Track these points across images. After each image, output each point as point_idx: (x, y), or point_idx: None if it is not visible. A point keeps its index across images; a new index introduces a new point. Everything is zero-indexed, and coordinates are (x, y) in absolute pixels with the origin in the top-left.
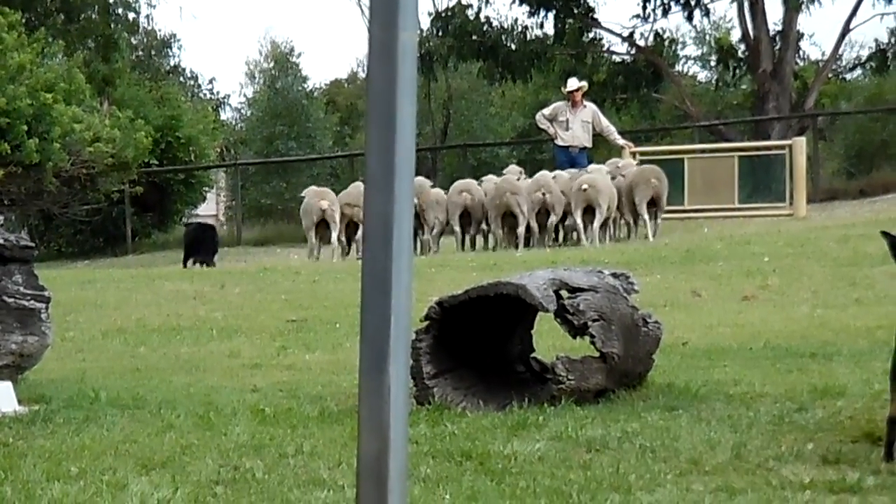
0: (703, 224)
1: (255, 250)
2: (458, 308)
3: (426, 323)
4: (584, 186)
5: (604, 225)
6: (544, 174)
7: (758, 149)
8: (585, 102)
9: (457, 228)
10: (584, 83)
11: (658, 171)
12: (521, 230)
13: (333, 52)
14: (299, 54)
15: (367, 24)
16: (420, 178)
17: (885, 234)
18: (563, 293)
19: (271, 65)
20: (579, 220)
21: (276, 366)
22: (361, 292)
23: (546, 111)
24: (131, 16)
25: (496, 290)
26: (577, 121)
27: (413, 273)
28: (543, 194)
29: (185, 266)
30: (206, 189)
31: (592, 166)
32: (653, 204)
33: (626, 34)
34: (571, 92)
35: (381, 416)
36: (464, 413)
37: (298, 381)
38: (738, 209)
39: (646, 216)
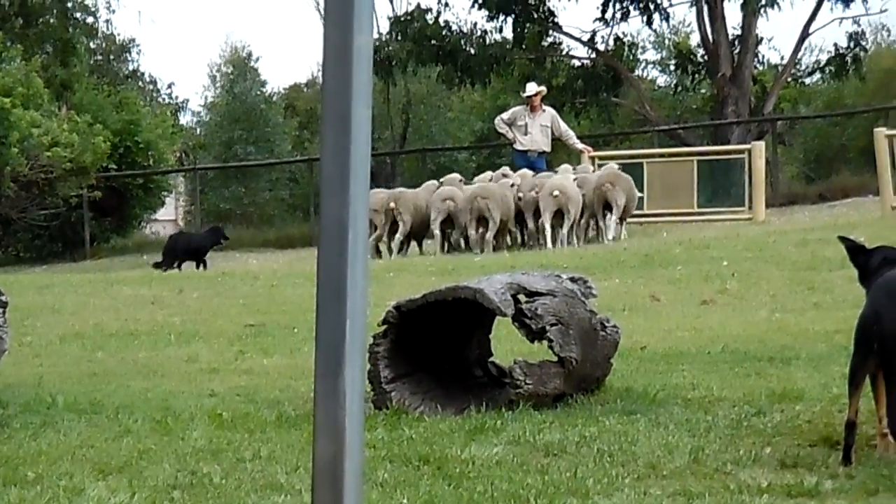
0: (662, 228)
1: (214, 255)
2: (416, 312)
3: (384, 327)
4: (556, 192)
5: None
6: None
7: (717, 153)
8: (544, 107)
9: (437, 232)
10: (543, 88)
11: (615, 175)
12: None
13: (292, 56)
14: (258, 59)
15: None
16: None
17: (842, 238)
18: (521, 297)
19: (230, 69)
20: (548, 225)
21: (234, 370)
22: (317, 297)
23: (505, 116)
24: (90, 20)
25: (454, 295)
26: (535, 125)
27: (369, 277)
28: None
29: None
30: (165, 193)
31: (562, 167)
32: (608, 207)
33: (585, 38)
34: (530, 96)
35: (336, 419)
36: (421, 417)
37: (256, 386)
38: (698, 213)
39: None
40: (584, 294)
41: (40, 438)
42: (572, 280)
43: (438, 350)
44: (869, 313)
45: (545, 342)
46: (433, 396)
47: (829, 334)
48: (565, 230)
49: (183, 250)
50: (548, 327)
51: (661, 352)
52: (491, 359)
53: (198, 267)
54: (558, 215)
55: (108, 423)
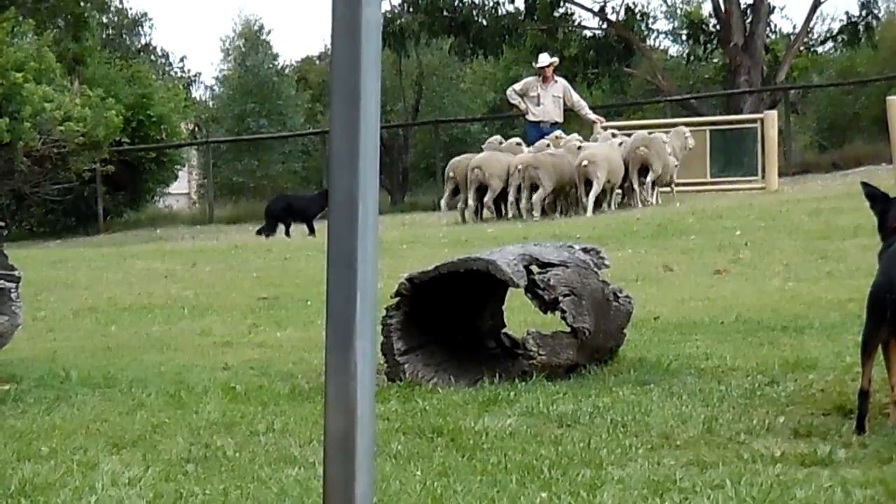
0: (675, 198)
1: (227, 228)
2: (428, 284)
3: (397, 299)
4: (584, 162)
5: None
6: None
7: (729, 122)
8: (556, 78)
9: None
10: (556, 59)
11: (647, 139)
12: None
13: (304, 28)
14: (270, 31)
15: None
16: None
17: (864, 184)
18: (534, 269)
19: (242, 42)
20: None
21: (248, 344)
22: (327, 269)
23: (517, 87)
24: None
25: (466, 266)
26: (548, 96)
27: (379, 250)
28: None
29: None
30: (178, 167)
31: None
32: (644, 172)
33: (597, 9)
34: (542, 67)
35: (347, 392)
36: (435, 389)
37: (269, 359)
38: (711, 183)
39: (635, 185)
40: (597, 265)
41: (54, 413)
42: (585, 251)
43: (451, 322)
44: (882, 281)
45: (558, 313)
46: (446, 368)
47: (842, 303)
48: (592, 197)
49: (283, 211)
50: (560, 298)
51: (675, 322)
52: (504, 330)
53: (311, 232)
54: (589, 183)
55: (122, 397)
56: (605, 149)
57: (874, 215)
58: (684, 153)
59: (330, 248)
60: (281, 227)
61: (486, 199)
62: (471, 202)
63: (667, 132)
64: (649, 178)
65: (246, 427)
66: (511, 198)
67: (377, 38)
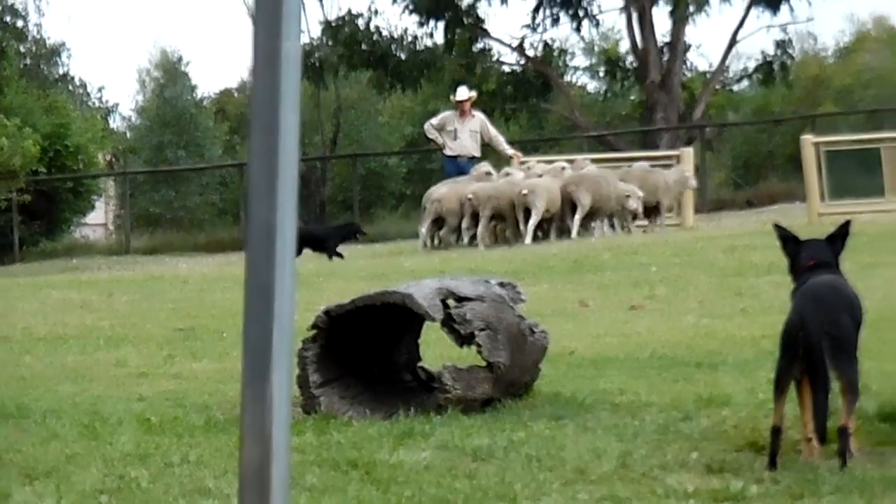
0: (593, 233)
1: (144, 259)
2: (345, 317)
3: (313, 332)
4: (524, 191)
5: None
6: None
7: (646, 159)
8: (474, 112)
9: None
10: (474, 93)
11: (578, 176)
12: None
13: (223, 60)
14: (188, 63)
15: None
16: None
17: (776, 226)
18: (450, 302)
19: (160, 74)
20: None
21: (163, 375)
22: (244, 301)
23: (434, 121)
24: (20, 23)
25: (383, 300)
26: (465, 130)
27: (296, 281)
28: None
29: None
30: (95, 197)
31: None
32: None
33: (515, 44)
34: (461, 101)
35: (263, 425)
36: (350, 422)
37: (185, 390)
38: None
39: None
40: (513, 299)
41: None
42: (501, 285)
43: (368, 355)
44: (794, 319)
45: (474, 347)
46: (362, 401)
47: (755, 340)
48: (531, 225)
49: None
50: (476, 332)
51: (590, 357)
52: (420, 363)
53: (330, 258)
54: (528, 212)
55: (36, 427)
56: (546, 179)
57: (786, 257)
58: (681, 192)
59: (247, 280)
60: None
61: (479, 227)
62: (465, 229)
63: (667, 167)
64: (577, 215)
65: (160, 458)
66: (464, 225)
67: (297, 70)
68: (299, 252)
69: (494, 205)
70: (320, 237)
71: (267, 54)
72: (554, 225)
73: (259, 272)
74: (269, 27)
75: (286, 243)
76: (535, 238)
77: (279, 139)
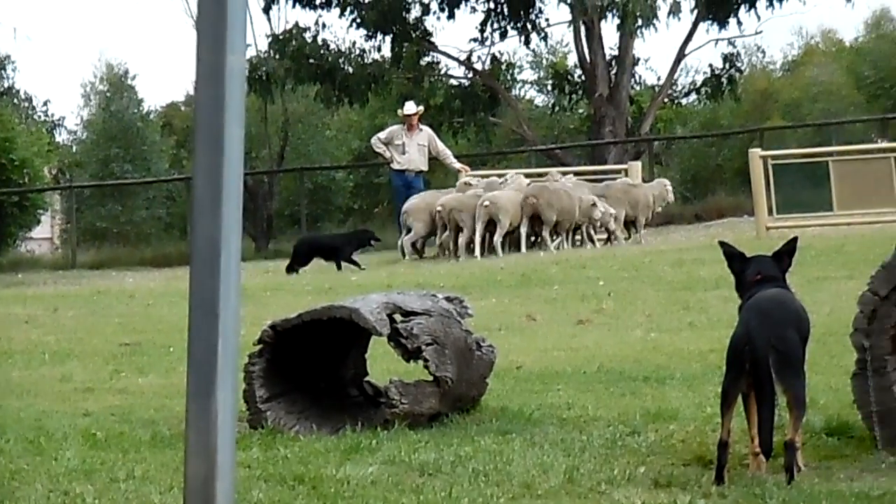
0: (538, 247)
1: (90, 273)
2: (291, 332)
3: (260, 346)
4: (486, 203)
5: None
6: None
7: (594, 173)
8: (421, 126)
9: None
10: (421, 107)
11: (539, 188)
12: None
13: (169, 74)
14: (134, 76)
15: None
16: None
17: (721, 243)
18: (397, 317)
19: (106, 87)
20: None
21: (109, 390)
22: (189, 317)
23: (382, 135)
24: None
25: (330, 314)
26: (413, 144)
27: (241, 297)
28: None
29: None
30: (41, 212)
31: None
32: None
33: (463, 58)
34: (408, 115)
35: (208, 440)
36: (297, 437)
37: (131, 406)
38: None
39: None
40: (460, 313)
41: None
42: (448, 299)
43: (314, 369)
44: (741, 333)
45: (421, 362)
46: (309, 416)
47: (703, 354)
48: (497, 239)
49: (306, 252)
50: (423, 347)
51: (537, 371)
52: (367, 378)
53: (339, 267)
54: (491, 224)
55: None
56: (509, 191)
57: (732, 274)
58: (661, 206)
59: (192, 295)
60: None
61: (496, 235)
62: (478, 237)
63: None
64: (545, 231)
65: (106, 474)
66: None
67: (241, 84)
68: (308, 261)
69: (458, 216)
70: (333, 246)
71: (211, 68)
72: (516, 237)
73: (204, 287)
74: (213, 41)
75: (231, 258)
76: (503, 250)
77: (224, 154)
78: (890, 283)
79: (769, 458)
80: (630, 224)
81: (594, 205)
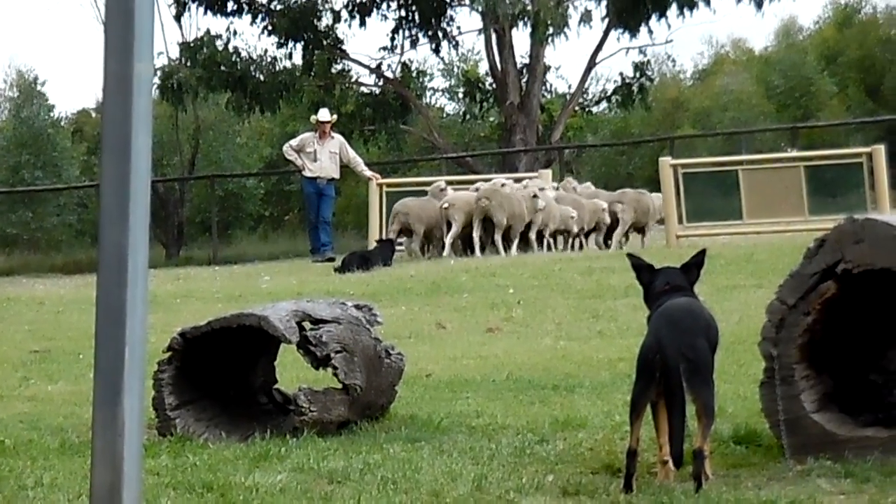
0: (450, 256)
1: (0, 280)
2: (201, 339)
3: (169, 354)
4: (446, 205)
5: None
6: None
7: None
8: (333, 134)
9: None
10: (335, 116)
11: (490, 191)
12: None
13: (80, 80)
14: (44, 82)
15: None
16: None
17: (630, 255)
18: (306, 325)
19: (16, 94)
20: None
21: (18, 397)
22: (96, 324)
23: (294, 142)
24: None
25: (239, 322)
26: (324, 152)
27: (148, 304)
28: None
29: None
30: None
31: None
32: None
33: (374, 66)
34: (323, 122)
35: (114, 448)
36: (206, 444)
37: (40, 413)
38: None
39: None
40: (369, 321)
41: None
42: (357, 307)
43: (224, 377)
44: (650, 342)
45: (330, 369)
46: (218, 423)
47: (612, 362)
48: (449, 239)
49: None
50: (332, 354)
51: (446, 379)
52: (276, 386)
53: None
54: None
55: None
56: (467, 193)
57: (640, 286)
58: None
59: (99, 303)
60: None
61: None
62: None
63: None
64: (497, 234)
65: (14, 481)
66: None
67: (148, 92)
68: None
69: (424, 219)
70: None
71: (118, 76)
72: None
73: (111, 295)
74: (121, 49)
75: (138, 266)
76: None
77: (131, 162)
78: (798, 291)
79: (678, 467)
80: (639, 230)
81: (572, 217)
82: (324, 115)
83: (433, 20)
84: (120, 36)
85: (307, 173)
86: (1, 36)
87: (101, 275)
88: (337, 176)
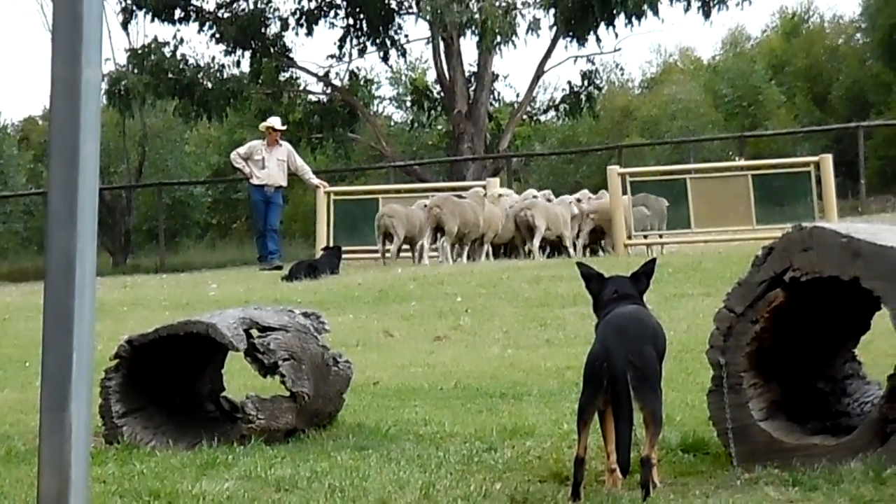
0: (397, 264)
1: None
2: (148, 346)
3: (116, 361)
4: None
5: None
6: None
7: (452, 189)
8: (281, 142)
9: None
10: (285, 126)
11: (441, 199)
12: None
13: (27, 88)
14: None
15: None
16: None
17: (579, 264)
18: (254, 332)
19: None
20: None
21: None
22: (43, 330)
23: (241, 150)
24: None
25: (186, 329)
26: (272, 160)
27: (96, 312)
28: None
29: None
30: None
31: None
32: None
33: (321, 74)
34: (273, 129)
35: (62, 455)
36: (153, 452)
37: None
38: (433, 249)
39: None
40: (317, 329)
41: None
42: (305, 315)
43: (171, 385)
44: (598, 350)
45: (277, 377)
46: (165, 431)
47: (560, 370)
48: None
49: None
50: (280, 362)
51: (394, 387)
52: (223, 393)
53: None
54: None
55: None
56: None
57: (589, 295)
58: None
59: (46, 310)
60: None
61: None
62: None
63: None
64: (446, 241)
65: None
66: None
67: (97, 98)
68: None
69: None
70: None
71: (66, 82)
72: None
73: (58, 302)
74: (69, 54)
75: (86, 272)
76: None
77: (79, 168)
78: (746, 300)
79: (626, 475)
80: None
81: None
82: (276, 122)
83: (381, 28)
84: (68, 41)
85: (255, 181)
86: None
87: (49, 280)
88: (284, 184)
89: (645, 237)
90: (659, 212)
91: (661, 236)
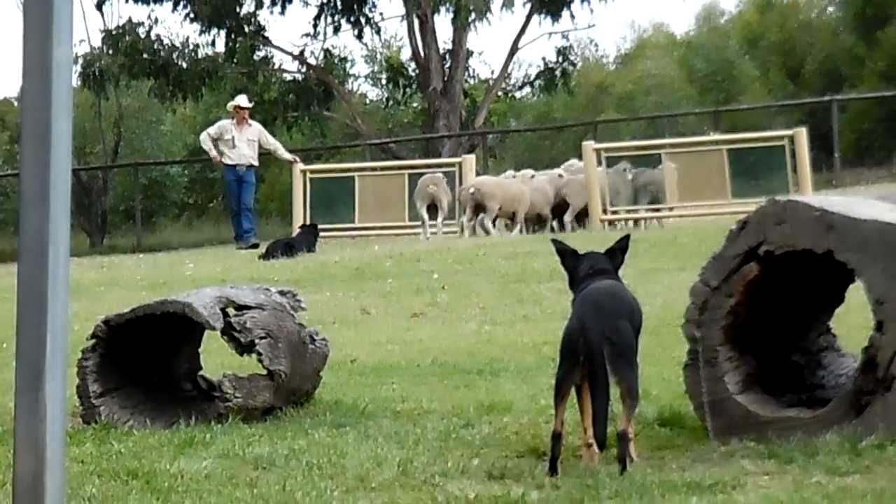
0: (374, 241)
1: None
2: (125, 326)
3: (93, 341)
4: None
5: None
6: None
7: (428, 167)
8: (251, 122)
9: None
10: (252, 104)
11: (433, 177)
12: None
13: (1, 69)
14: None
15: None
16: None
17: (554, 241)
18: (231, 311)
19: None
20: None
21: None
22: (17, 311)
23: (211, 130)
24: None
25: (163, 309)
26: (243, 139)
27: (70, 292)
28: None
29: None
30: None
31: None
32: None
33: (296, 52)
34: (242, 108)
35: (37, 435)
36: (131, 431)
37: None
38: (409, 226)
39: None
40: (294, 307)
41: None
42: (281, 293)
43: (148, 364)
44: (574, 325)
45: (254, 355)
46: (143, 410)
47: (537, 346)
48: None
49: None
50: (257, 340)
51: (371, 365)
52: (200, 372)
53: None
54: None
55: None
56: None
57: (564, 271)
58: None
59: (20, 291)
60: None
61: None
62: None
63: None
64: (440, 218)
65: None
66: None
67: (69, 78)
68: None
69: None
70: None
71: (37, 61)
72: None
73: (32, 282)
74: (40, 33)
75: (59, 253)
76: None
77: (51, 147)
78: (721, 274)
79: (603, 449)
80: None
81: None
82: (243, 100)
83: (355, 6)
84: (39, 20)
85: (227, 161)
86: None
87: (22, 260)
88: (256, 163)
89: (626, 212)
90: (658, 183)
91: (658, 210)
